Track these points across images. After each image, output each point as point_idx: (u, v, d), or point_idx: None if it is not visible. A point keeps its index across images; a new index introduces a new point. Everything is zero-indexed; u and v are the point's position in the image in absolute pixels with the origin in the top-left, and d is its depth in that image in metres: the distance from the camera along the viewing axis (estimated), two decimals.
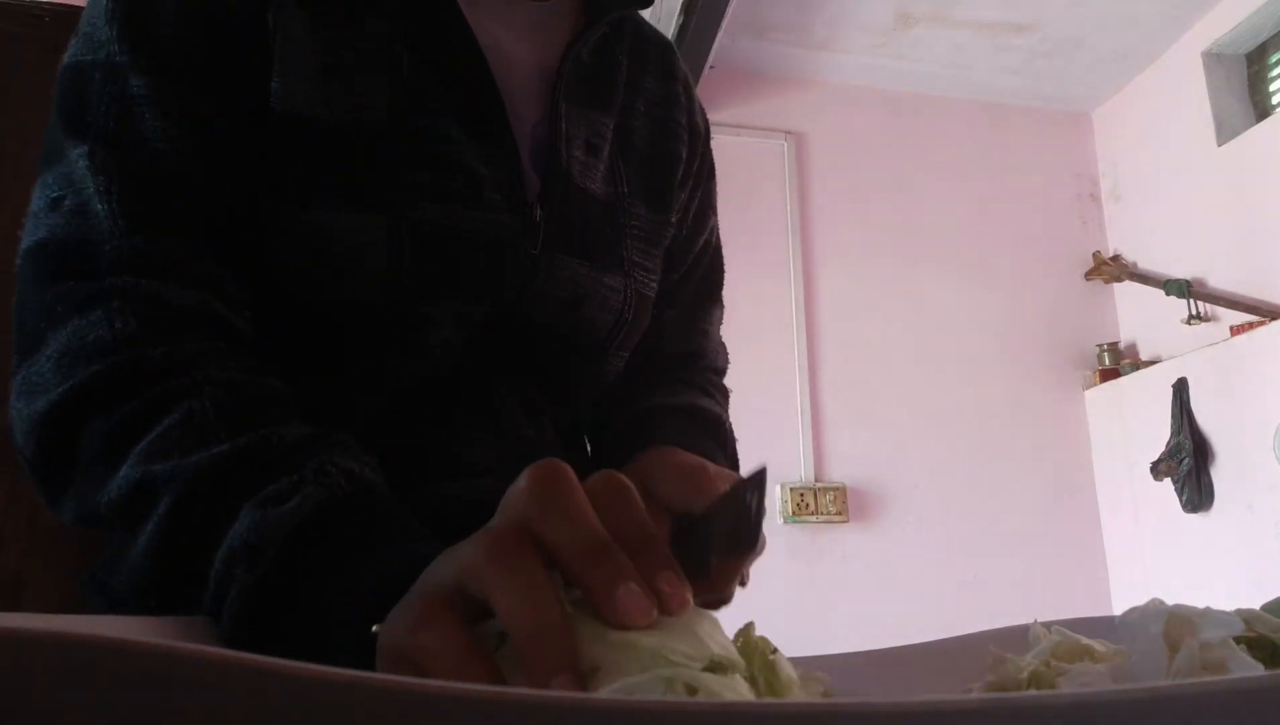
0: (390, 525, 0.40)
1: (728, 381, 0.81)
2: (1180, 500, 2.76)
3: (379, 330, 0.57)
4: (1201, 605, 0.32)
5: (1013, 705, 0.20)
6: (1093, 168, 3.51)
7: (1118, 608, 2.75)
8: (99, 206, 0.49)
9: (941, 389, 3.10)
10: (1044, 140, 3.48)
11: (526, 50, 0.65)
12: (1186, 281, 2.95)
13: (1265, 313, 2.69)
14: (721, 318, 0.83)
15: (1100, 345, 3.23)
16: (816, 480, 2.91)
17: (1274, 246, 2.71)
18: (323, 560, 0.37)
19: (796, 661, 0.30)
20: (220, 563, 0.38)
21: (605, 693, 0.25)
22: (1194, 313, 2.92)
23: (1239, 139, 2.87)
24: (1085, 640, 0.36)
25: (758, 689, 0.27)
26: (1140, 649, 0.31)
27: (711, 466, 0.51)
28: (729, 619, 0.32)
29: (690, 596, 0.29)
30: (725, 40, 2.82)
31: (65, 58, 0.54)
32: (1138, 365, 3.09)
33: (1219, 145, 2.92)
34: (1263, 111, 2.94)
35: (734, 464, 0.68)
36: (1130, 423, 3.02)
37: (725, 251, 0.85)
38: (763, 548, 0.51)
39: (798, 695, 0.29)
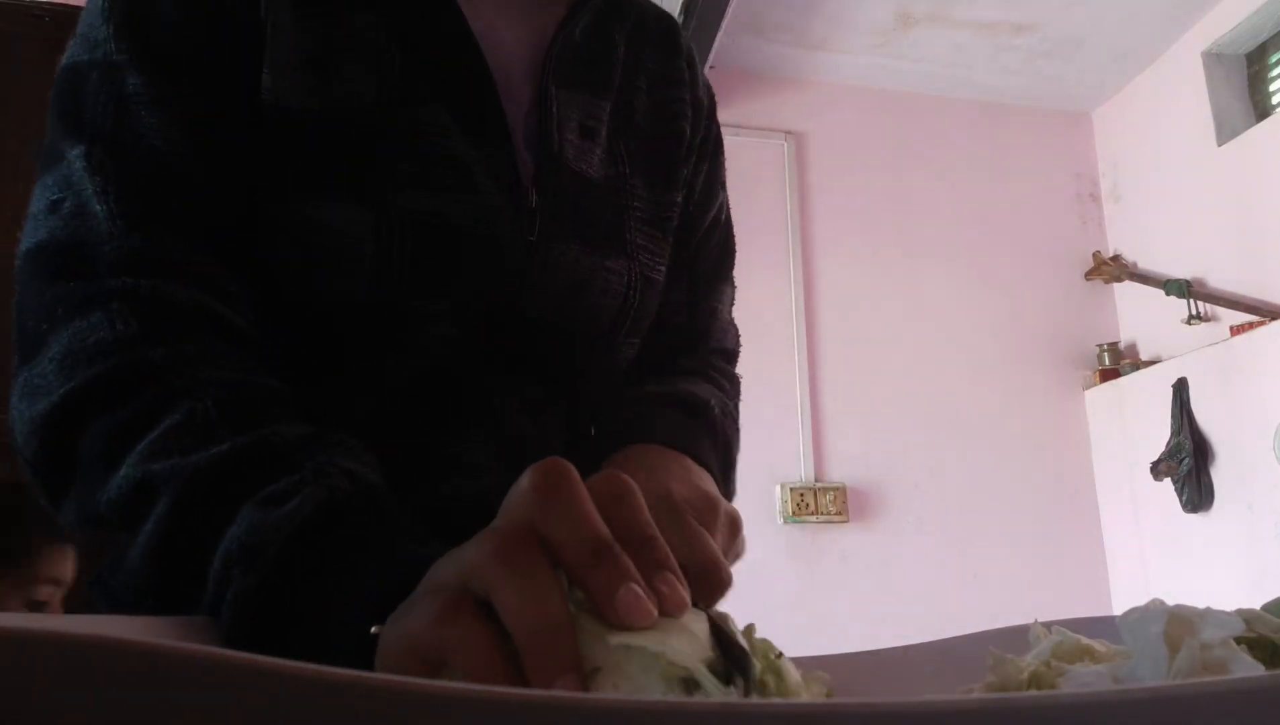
0: (390, 526, 0.40)
1: None
2: (1180, 500, 2.76)
3: (377, 327, 0.57)
4: (1201, 605, 0.32)
5: (1013, 705, 0.20)
6: (1093, 168, 3.51)
7: (1118, 608, 2.75)
8: (97, 207, 0.49)
9: (941, 389, 3.10)
10: (1044, 140, 3.48)
11: (521, 36, 0.64)
12: (1186, 281, 2.95)
13: (1265, 313, 2.69)
14: (733, 298, 0.81)
15: (1100, 345, 3.24)
16: (816, 480, 2.91)
17: (1274, 246, 2.71)
18: (322, 562, 0.37)
19: (797, 662, 0.30)
20: (219, 563, 0.38)
21: (606, 693, 0.25)
22: (1194, 313, 2.92)
23: (1239, 139, 2.87)
24: (1085, 640, 0.36)
25: (765, 690, 0.27)
26: (1140, 649, 0.31)
27: (678, 492, 0.51)
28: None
29: (689, 597, 0.29)
30: (725, 40, 2.82)
31: (63, 59, 0.54)
32: (1138, 365, 3.09)
33: (1219, 145, 2.92)
34: (1263, 111, 2.94)
35: (725, 449, 0.65)
36: (1130, 423, 3.02)
37: None
38: (743, 551, 0.53)
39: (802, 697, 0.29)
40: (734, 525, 0.54)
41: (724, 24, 2.65)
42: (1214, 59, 3.03)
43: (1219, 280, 2.90)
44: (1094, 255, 3.35)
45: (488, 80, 0.60)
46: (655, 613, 0.27)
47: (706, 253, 0.77)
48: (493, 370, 0.61)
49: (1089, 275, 3.34)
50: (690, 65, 0.76)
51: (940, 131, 3.37)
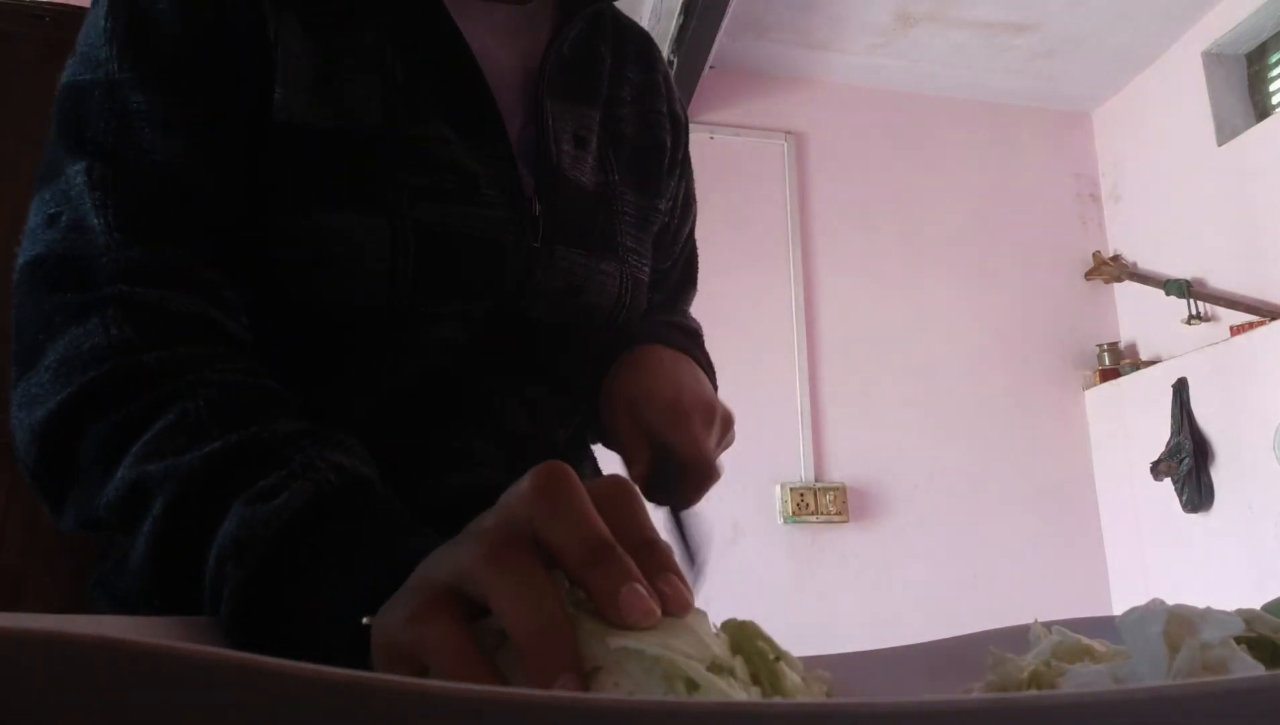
0: (380, 519, 0.40)
1: (725, 382, 0.83)
2: (1180, 500, 2.76)
3: (381, 330, 0.57)
4: (1201, 605, 0.32)
5: (1013, 705, 0.20)
6: (1093, 168, 3.51)
7: (1118, 608, 2.75)
8: (95, 221, 0.49)
9: (941, 389, 3.10)
10: (1044, 140, 3.48)
11: (509, 53, 0.67)
12: (1186, 281, 2.95)
13: (1265, 313, 2.69)
14: (694, 297, 0.89)
15: (1100, 345, 3.24)
16: (816, 480, 2.91)
17: (1274, 246, 2.71)
18: (312, 556, 0.37)
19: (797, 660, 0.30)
20: (214, 561, 0.39)
21: (606, 692, 0.25)
22: (1194, 313, 2.92)
23: (1239, 139, 2.87)
24: (1085, 640, 0.36)
25: (763, 689, 0.27)
26: (1140, 649, 0.31)
27: (688, 396, 0.62)
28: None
29: (692, 598, 0.29)
30: (725, 40, 2.82)
31: (63, 77, 0.55)
32: (1138, 365, 3.09)
33: (1219, 145, 2.92)
34: (1263, 111, 2.94)
35: (710, 368, 0.74)
36: (1130, 423, 3.02)
37: (725, 252, 0.89)
38: (732, 441, 0.66)
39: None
40: (726, 422, 0.66)
41: (724, 24, 2.65)
42: (1214, 59, 3.03)
43: (1219, 280, 2.90)
44: (1094, 255, 3.35)
45: (487, 95, 0.62)
46: (658, 612, 0.27)
47: (681, 262, 0.83)
48: (493, 370, 0.62)
49: (1089, 275, 3.34)
50: (666, 80, 0.80)
51: (940, 131, 3.37)
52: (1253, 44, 3.00)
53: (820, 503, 2.86)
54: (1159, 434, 2.84)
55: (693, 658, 0.26)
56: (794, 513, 2.83)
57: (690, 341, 0.73)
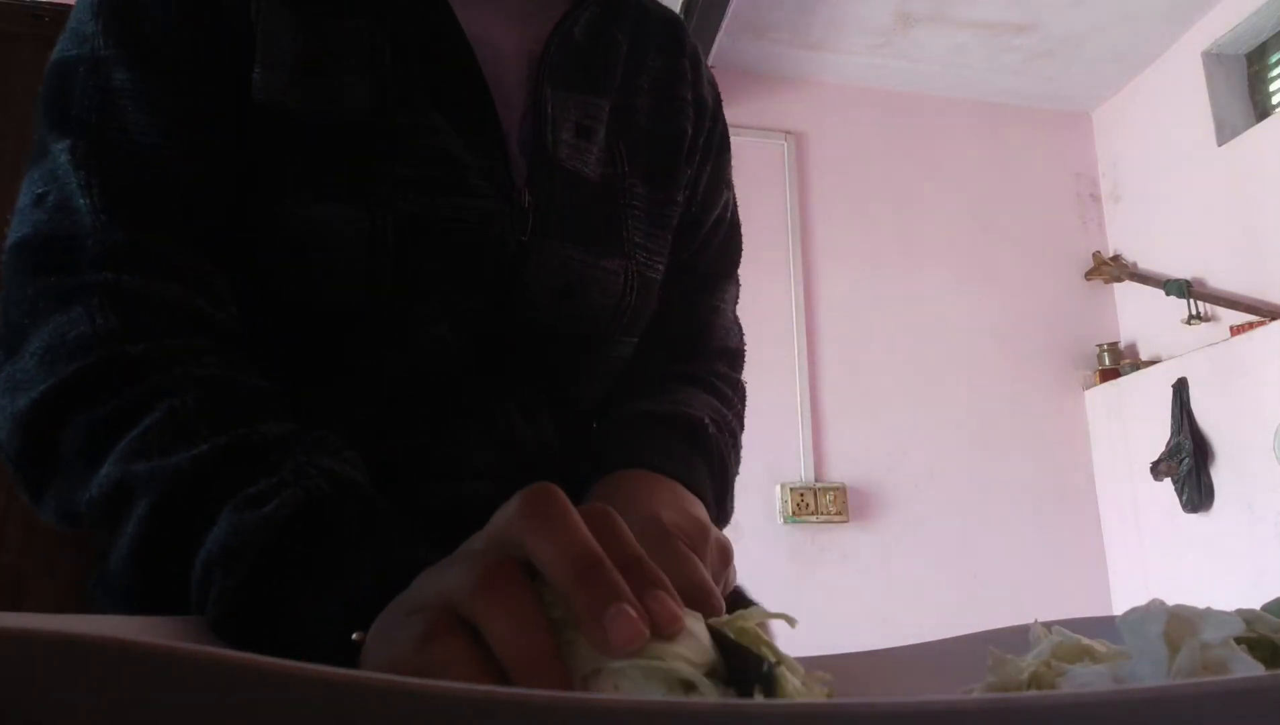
0: (370, 527, 0.39)
1: None
2: (1180, 500, 2.76)
3: (372, 329, 0.56)
4: (1202, 605, 0.32)
5: (1013, 705, 0.20)
6: (1093, 168, 3.51)
7: (1118, 608, 2.75)
8: (81, 201, 0.49)
9: (941, 389, 3.10)
10: (1044, 140, 3.48)
11: (518, 38, 0.64)
12: (1186, 281, 2.95)
13: (1265, 313, 2.69)
14: (737, 296, 0.80)
15: (1100, 345, 3.24)
16: (816, 480, 2.91)
17: (1274, 246, 2.71)
18: (302, 564, 0.37)
19: (796, 662, 0.30)
20: (200, 567, 0.38)
21: (606, 693, 0.25)
22: (1194, 313, 2.92)
23: (1239, 139, 2.87)
24: (1085, 640, 0.36)
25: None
26: (1140, 649, 0.31)
27: (666, 517, 0.48)
28: None
29: (683, 615, 0.28)
30: (725, 40, 2.82)
31: (53, 54, 0.54)
32: (1138, 365, 3.09)
33: (1219, 145, 2.92)
34: (1263, 111, 2.94)
35: (720, 472, 0.63)
36: (1130, 423, 3.02)
37: None
38: (734, 581, 0.55)
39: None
40: (725, 553, 0.52)
41: (724, 24, 2.65)
42: (1214, 59, 3.03)
43: (1219, 280, 2.90)
44: (1094, 255, 3.35)
45: (481, 83, 0.60)
46: (647, 633, 0.26)
47: (709, 250, 0.77)
48: (488, 372, 0.61)
49: (1089, 275, 3.34)
50: (694, 64, 0.76)
51: (940, 131, 3.37)
52: (1253, 44, 3.00)
53: (820, 503, 2.86)
54: (1159, 434, 2.84)
55: (692, 662, 0.26)
56: (794, 513, 2.83)
57: (692, 447, 0.61)
